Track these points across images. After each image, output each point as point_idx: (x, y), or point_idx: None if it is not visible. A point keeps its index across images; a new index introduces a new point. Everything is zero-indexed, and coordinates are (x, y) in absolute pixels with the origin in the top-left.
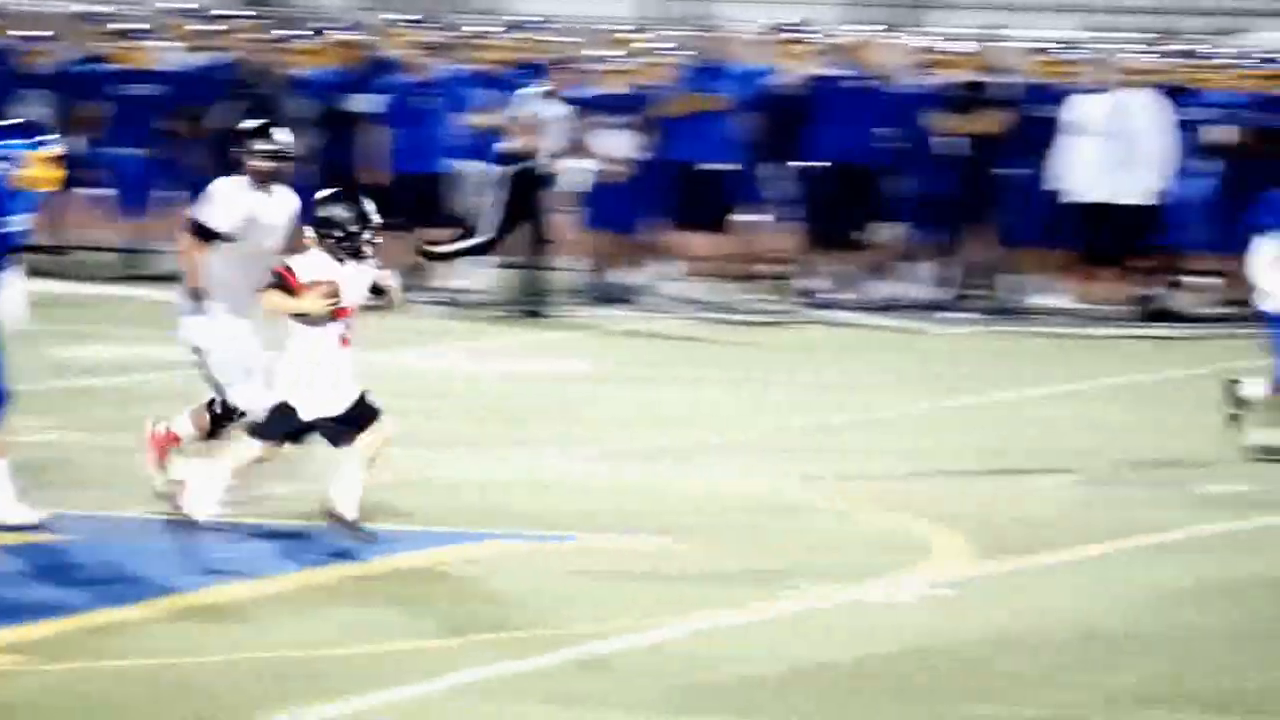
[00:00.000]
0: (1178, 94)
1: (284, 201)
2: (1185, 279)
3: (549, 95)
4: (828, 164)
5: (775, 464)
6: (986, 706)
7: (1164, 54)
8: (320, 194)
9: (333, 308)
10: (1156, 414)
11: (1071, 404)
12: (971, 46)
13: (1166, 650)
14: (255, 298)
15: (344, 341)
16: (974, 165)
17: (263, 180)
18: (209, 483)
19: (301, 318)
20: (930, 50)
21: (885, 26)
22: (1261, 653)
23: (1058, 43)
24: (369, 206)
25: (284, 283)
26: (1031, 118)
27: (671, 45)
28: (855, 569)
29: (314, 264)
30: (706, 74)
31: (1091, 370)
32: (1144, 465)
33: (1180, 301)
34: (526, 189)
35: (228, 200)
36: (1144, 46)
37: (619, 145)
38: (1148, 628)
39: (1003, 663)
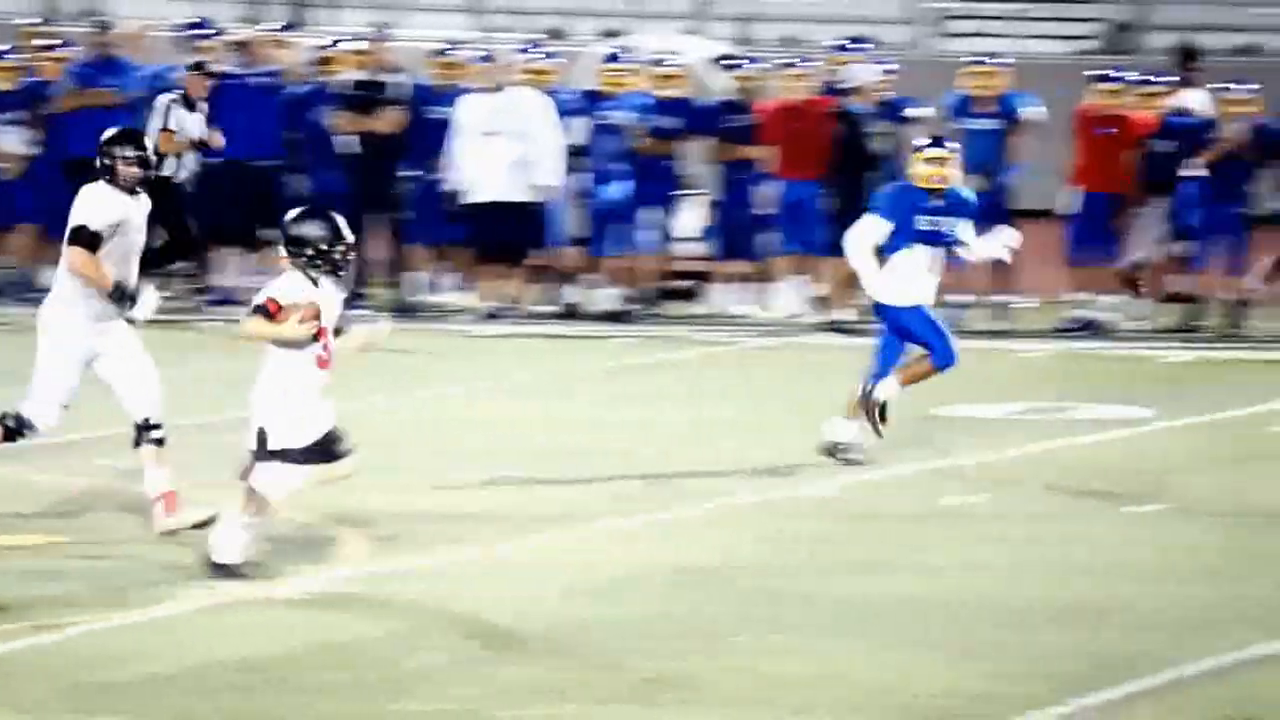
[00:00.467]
0: (596, 97)
1: (145, 205)
2: (590, 277)
3: None
4: (225, 161)
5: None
6: (400, 703)
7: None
8: (291, 212)
9: (313, 331)
10: (553, 407)
11: (477, 401)
12: (364, 45)
13: (570, 642)
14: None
15: (321, 363)
16: (370, 163)
17: (132, 185)
18: (236, 531)
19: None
20: (324, 48)
21: (281, 25)
22: (660, 641)
23: (449, 42)
24: (341, 223)
25: (266, 311)
26: (427, 118)
27: (64, 41)
28: (264, 568)
29: (292, 286)
30: (101, 69)
31: (492, 368)
32: (552, 456)
33: (587, 299)
34: None
35: (103, 205)
36: (530, 46)
37: (11, 140)
38: (545, 623)
39: (410, 661)
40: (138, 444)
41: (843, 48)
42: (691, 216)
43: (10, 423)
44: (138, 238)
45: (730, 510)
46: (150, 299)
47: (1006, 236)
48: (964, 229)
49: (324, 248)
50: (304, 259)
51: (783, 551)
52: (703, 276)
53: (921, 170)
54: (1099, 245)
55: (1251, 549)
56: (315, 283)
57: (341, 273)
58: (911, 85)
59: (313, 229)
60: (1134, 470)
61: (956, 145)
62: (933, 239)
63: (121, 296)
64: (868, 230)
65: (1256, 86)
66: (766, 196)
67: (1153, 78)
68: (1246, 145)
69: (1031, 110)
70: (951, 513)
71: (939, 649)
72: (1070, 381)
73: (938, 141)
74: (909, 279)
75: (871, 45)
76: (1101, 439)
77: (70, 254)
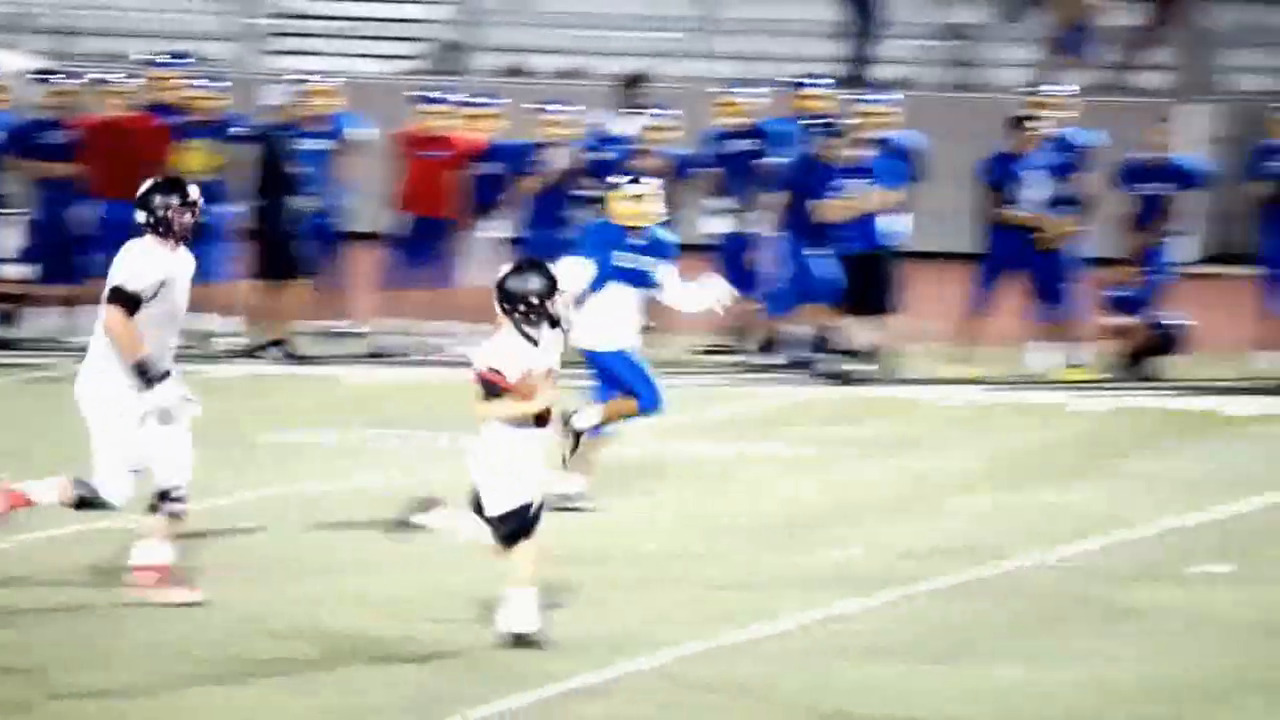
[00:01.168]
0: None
1: (189, 263)
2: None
3: None
4: None
5: None
6: None
7: None
8: (507, 267)
9: (554, 401)
10: None
11: None
12: None
13: None
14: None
15: (541, 422)
16: None
17: (184, 237)
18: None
19: None
20: None
21: None
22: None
23: None
24: (554, 272)
25: (494, 387)
26: None
27: None
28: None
29: (511, 352)
30: None
31: None
32: None
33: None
34: None
35: (149, 263)
36: None
37: None
38: None
39: None
40: (154, 510)
41: (163, 63)
42: (9, 236)
43: (84, 492)
44: (181, 301)
45: None
46: (173, 396)
47: (719, 290)
48: (664, 271)
49: (535, 303)
50: (519, 314)
51: None
52: (21, 299)
53: (621, 208)
54: (421, 269)
55: None
56: (533, 340)
57: (558, 323)
58: (238, 102)
59: (531, 282)
60: None
61: (656, 181)
62: (633, 279)
63: (144, 375)
64: (573, 270)
65: (580, 108)
66: (84, 217)
67: (479, 98)
68: (568, 172)
69: (359, 131)
70: None
71: None
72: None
73: (635, 179)
74: (610, 321)
75: (193, 60)
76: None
77: (108, 313)
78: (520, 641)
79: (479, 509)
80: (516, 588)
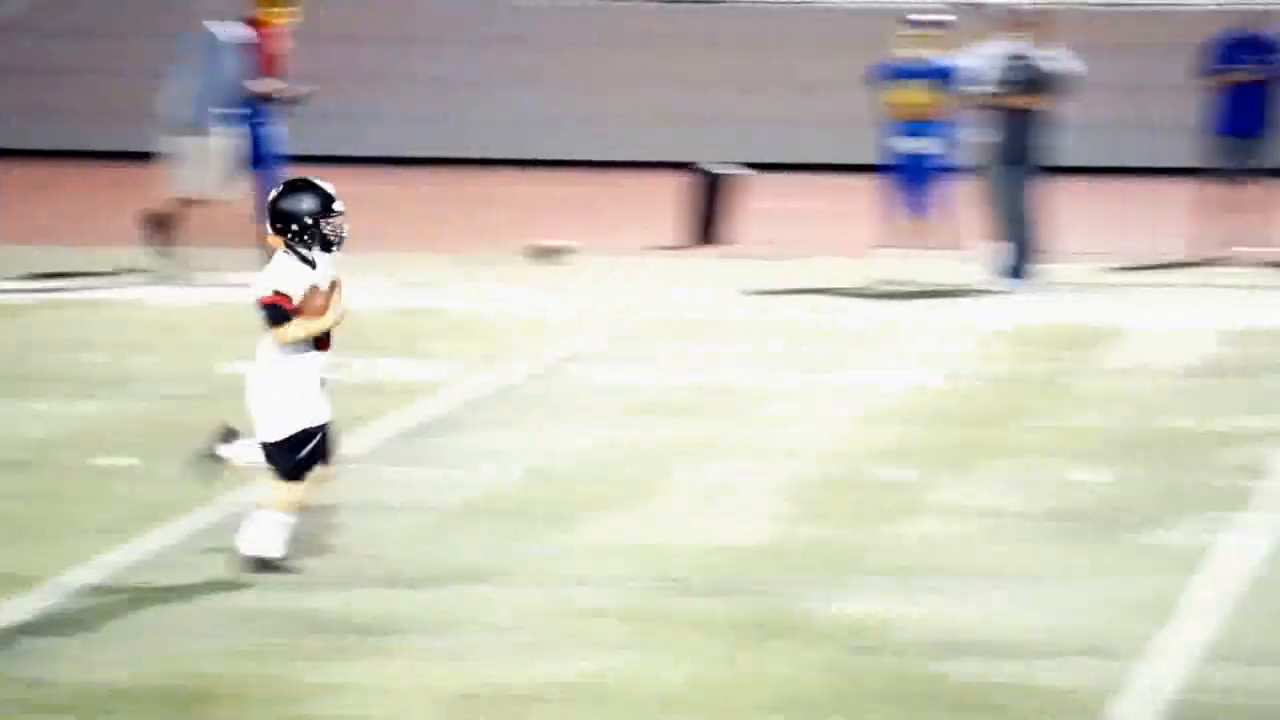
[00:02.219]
0: None
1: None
2: None
3: None
4: None
5: None
6: None
7: None
8: (275, 188)
9: (343, 315)
10: None
11: None
12: None
13: None
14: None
15: (322, 345)
16: None
17: (331, 247)
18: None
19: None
20: None
21: None
22: None
23: None
24: (331, 191)
25: (282, 311)
26: None
27: None
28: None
29: (291, 274)
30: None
31: None
32: None
33: None
34: None
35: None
36: None
37: None
38: None
39: None
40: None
41: None
42: None
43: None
44: None
45: None
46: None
47: None
48: None
49: (310, 222)
50: (291, 234)
51: None
52: None
53: None
54: None
55: None
56: (310, 263)
57: (334, 244)
58: None
59: (303, 202)
60: None
61: None
62: None
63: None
64: None
65: None
66: None
67: None
68: None
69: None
70: None
71: None
72: None
73: None
74: None
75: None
76: None
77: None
78: (262, 566)
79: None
80: (270, 510)
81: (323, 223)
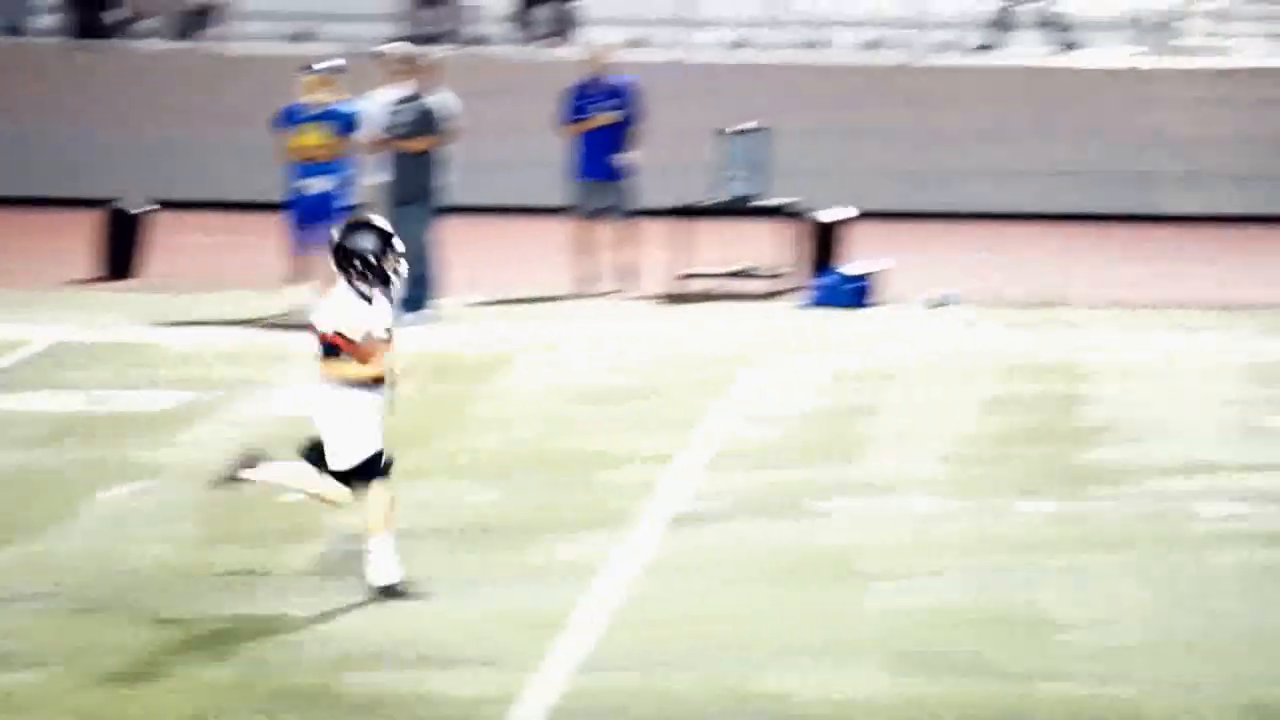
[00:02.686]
0: None
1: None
2: None
3: None
4: None
5: None
6: None
7: None
8: (340, 224)
9: (391, 365)
10: None
11: None
12: None
13: None
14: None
15: (379, 381)
16: None
17: (390, 284)
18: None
19: None
20: None
21: None
22: None
23: None
24: (390, 231)
25: (335, 348)
26: None
27: None
28: None
29: (349, 311)
30: None
31: None
32: None
33: None
34: None
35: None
36: None
37: None
38: None
39: None
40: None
41: None
42: None
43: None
44: None
45: None
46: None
47: None
48: None
49: (373, 261)
50: (353, 271)
51: None
52: None
53: None
54: None
55: None
56: (368, 298)
57: (392, 282)
58: None
59: (364, 241)
60: None
61: None
62: None
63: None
64: None
65: None
66: None
67: None
68: None
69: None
70: None
71: None
72: None
73: None
74: None
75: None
76: None
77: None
78: (387, 593)
79: (314, 460)
80: (374, 536)
81: (384, 261)
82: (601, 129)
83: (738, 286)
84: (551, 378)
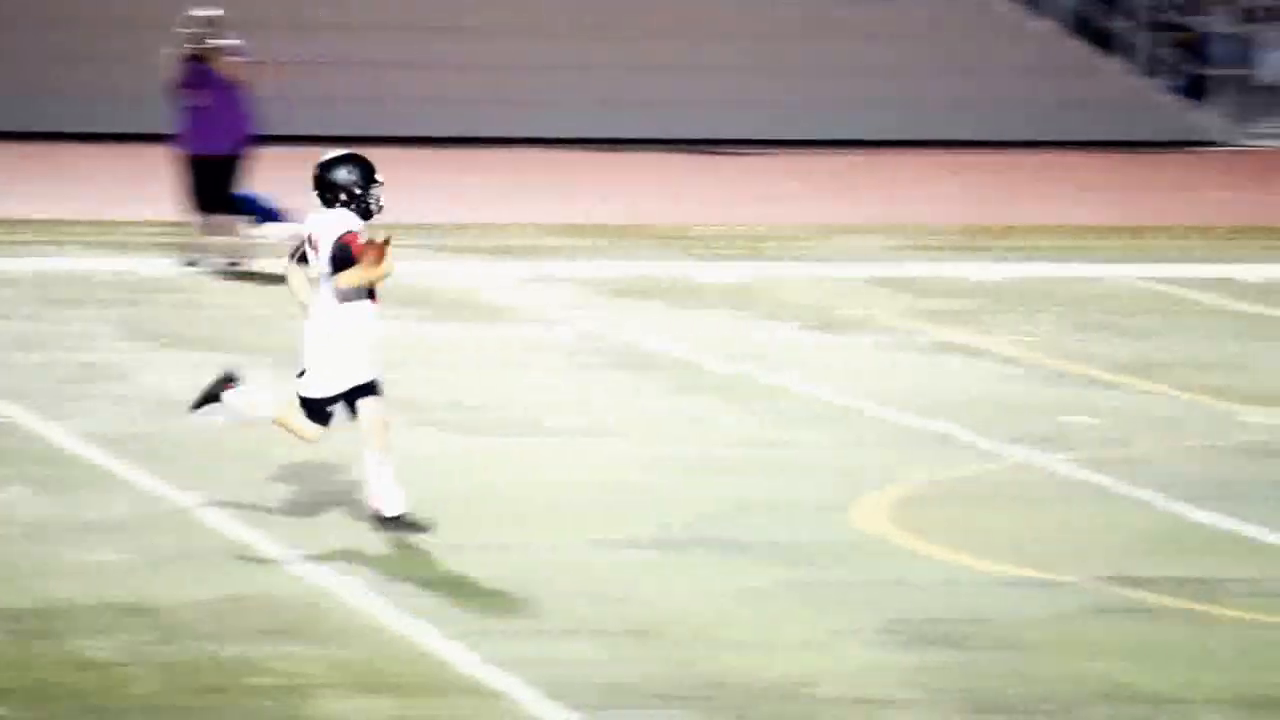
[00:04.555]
0: None
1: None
2: None
3: None
4: None
5: None
6: None
7: None
8: (324, 158)
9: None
10: None
11: None
12: None
13: None
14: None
15: (374, 298)
16: None
17: (371, 215)
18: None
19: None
20: None
21: None
22: None
23: None
24: (373, 166)
25: (350, 253)
26: None
27: None
28: None
29: (348, 219)
30: None
31: None
32: None
33: None
34: None
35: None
36: None
37: None
38: None
39: None
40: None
41: None
42: None
43: None
44: None
45: None
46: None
47: None
48: None
49: (358, 191)
50: (339, 203)
51: None
52: None
53: None
54: None
55: None
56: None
57: (373, 215)
58: None
59: (346, 173)
60: None
61: None
62: None
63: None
64: None
65: None
66: None
67: None
68: None
69: None
70: None
71: None
72: None
73: None
74: None
75: None
76: None
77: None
78: (394, 525)
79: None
80: (371, 454)
81: (367, 192)
82: None
83: None
84: None
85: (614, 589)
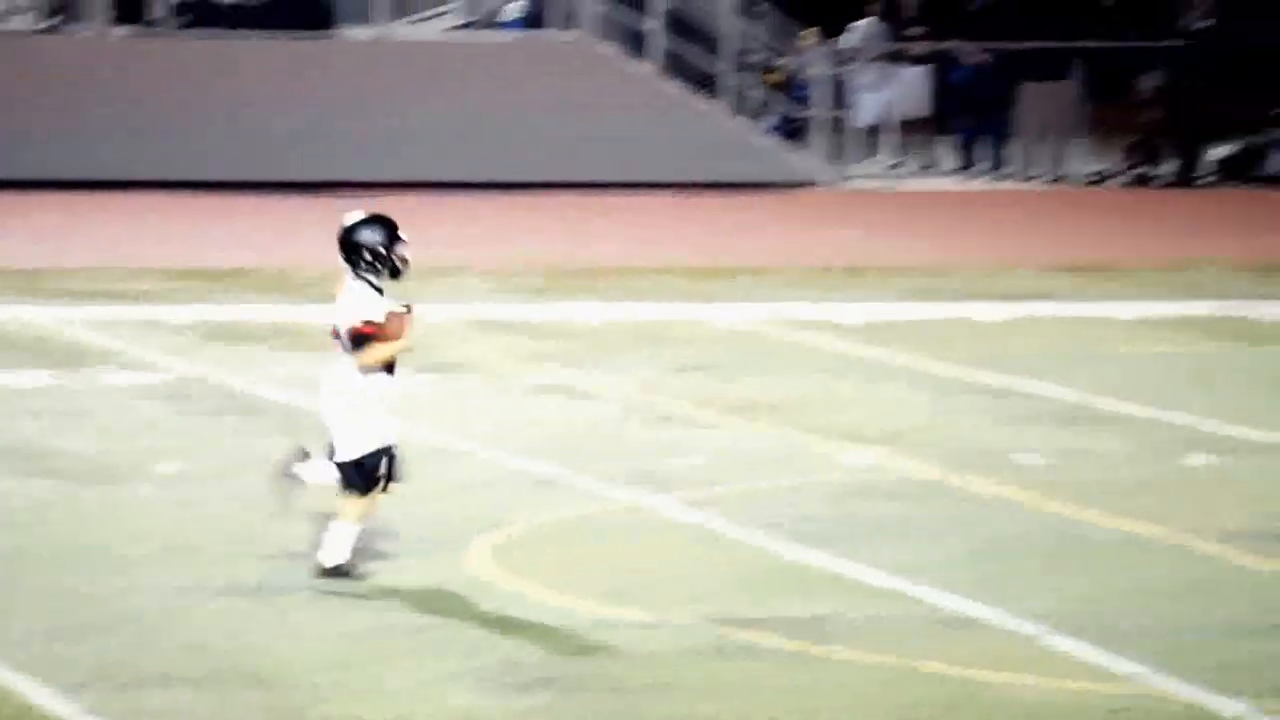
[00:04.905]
0: None
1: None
2: None
3: None
4: None
5: None
6: None
7: None
8: (347, 221)
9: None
10: None
11: None
12: None
13: None
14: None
15: (389, 368)
16: None
17: (399, 274)
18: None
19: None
20: None
21: None
22: None
23: None
24: (395, 224)
25: (368, 336)
26: None
27: None
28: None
29: (372, 302)
30: None
31: None
32: None
33: None
34: None
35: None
36: None
37: None
38: None
39: None
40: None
41: None
42: None
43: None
44: None
45: None
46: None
47: None
48: None
49: (383, 251)
50: (364, 264)
51: None
52: None
53: None
54: None
55: None
56: (379, 289)
57: (401, 273)
58: None
59: (370, 234)
60: None
61: None
62: None
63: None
64: None
65: None
66: None
67: None
68: None
69: None
70: None
71: None
72: None
73: None
74: None
75: None
76: None
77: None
78: (331, 573)
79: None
80: (342, 522)
81: (392, 251)
82: None
83: None
84: None
85: (219, 636)
